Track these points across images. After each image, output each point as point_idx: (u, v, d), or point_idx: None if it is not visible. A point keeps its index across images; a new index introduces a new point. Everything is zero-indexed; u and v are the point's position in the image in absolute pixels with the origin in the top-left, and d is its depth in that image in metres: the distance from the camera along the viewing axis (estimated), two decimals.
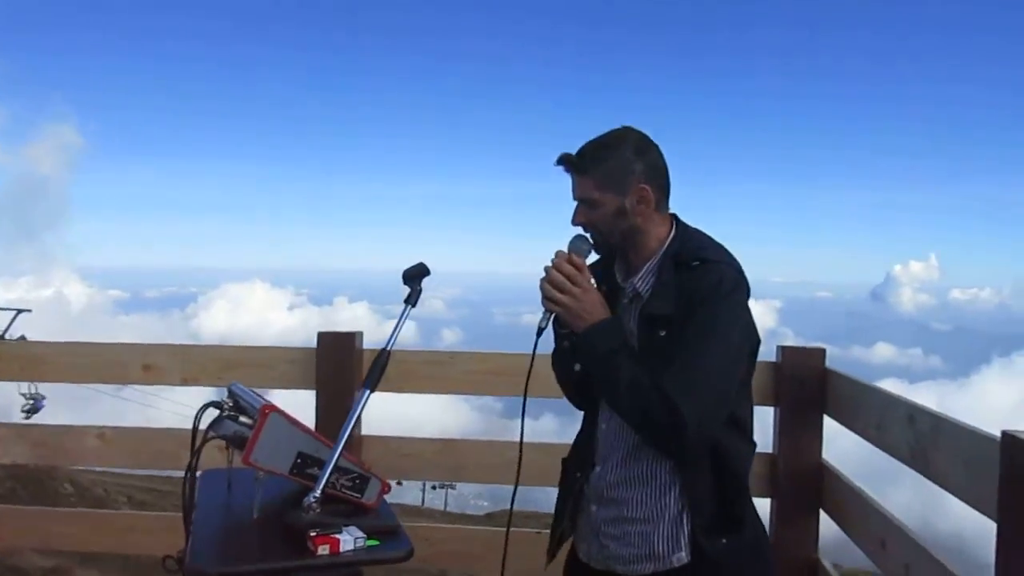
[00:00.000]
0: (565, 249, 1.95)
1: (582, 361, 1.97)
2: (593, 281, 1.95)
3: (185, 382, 3.18)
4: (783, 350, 2.95)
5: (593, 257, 2.00)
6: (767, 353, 3.12)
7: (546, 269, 1.91)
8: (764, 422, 3.11)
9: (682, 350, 1.80)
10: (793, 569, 2.86)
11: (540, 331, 1.95)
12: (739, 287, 1.87)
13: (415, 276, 1.89)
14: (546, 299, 1.90)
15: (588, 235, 1.97)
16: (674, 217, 2.01)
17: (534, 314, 2.01)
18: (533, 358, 1.99)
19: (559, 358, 2.10)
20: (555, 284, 1.89)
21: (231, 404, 1.91)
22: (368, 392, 1.83)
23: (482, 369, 3.05)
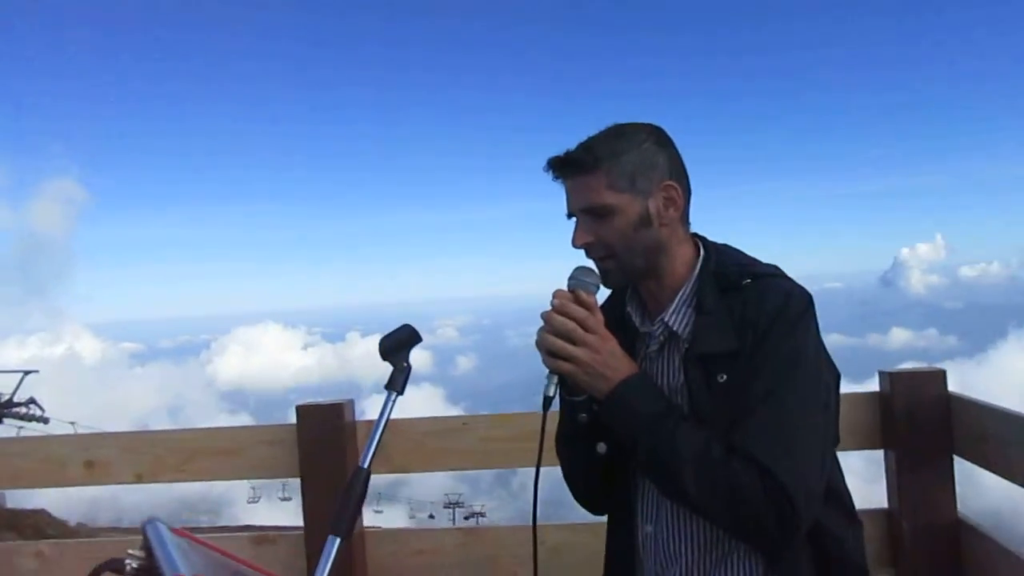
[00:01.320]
0: (565, 287, 1.42)
1: (613, 436, 1.44)
2: None
3: (139, 479, 2.56)
4: (891, 377, 2.29)
5: (600, 296, 1.49)
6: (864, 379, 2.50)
7: (545, 316, 1.38)
8: (872, 470, 2.47)
9: (758, 400, 1.31)
10: None
11: (548, 401, 1.40)
12: (810, 305, 1.40)
13: (399, 347, 1.26)
14: (550, 356, 1.37)
15: (596, 263, 1.45)
16: (696, 235, 1.52)
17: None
18: (542, 445, 1.42)
19: (571, 439, 1.54)
20: (561, 334, 1.36)
21: (141, 559, 1.27)
22: (338, 541, 1.19)
23: (502, 435, 2.41)
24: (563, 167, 1.45)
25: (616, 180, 1.41)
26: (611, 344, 1.38)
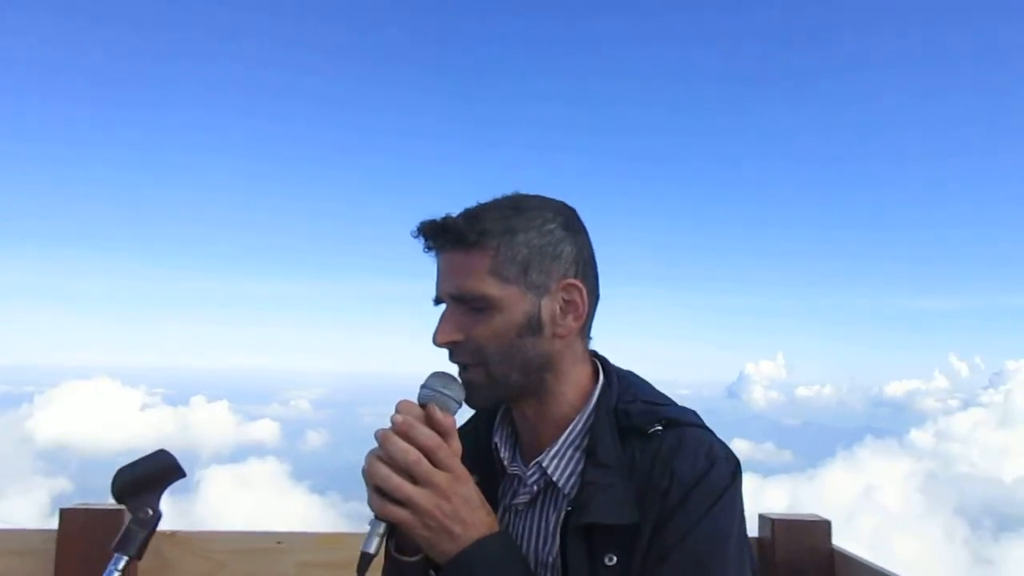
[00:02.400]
0: (415, 399, 1.05)
1: None
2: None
3: None
4: (773, 524, 2.05)
5: (461, 415, 1.12)
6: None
7: (380, 437, 0.99)
8: None
9: None
10: None
11: (366, 561, 0.99)
12: (737, 474, 1.08)
13: (147, 485, 0.83)
14: (379, 496, 0.99)
15: (460, 373, 1.10)
16: (596, 354, 1.20)
17: None
18: None
19: None
20: (400, 466, 0.97)
21: None
22: None
23: (324, 561, 1.98)
24: (437, 236, 1.11)
25: (503, 266, 1.08)
26: (466, 489, 1.01)
